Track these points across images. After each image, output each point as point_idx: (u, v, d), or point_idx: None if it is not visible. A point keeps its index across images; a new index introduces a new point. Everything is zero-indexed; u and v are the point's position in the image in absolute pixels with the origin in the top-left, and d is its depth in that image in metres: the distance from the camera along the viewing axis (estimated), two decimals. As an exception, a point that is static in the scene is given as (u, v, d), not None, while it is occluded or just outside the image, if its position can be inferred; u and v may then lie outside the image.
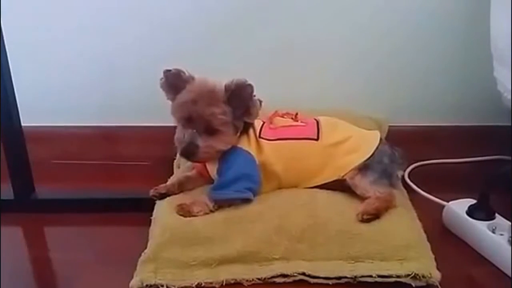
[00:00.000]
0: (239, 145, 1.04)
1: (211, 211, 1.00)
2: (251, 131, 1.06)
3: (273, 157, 1.04)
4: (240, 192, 1.01)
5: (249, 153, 1.03)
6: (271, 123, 1.08)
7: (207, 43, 1.30)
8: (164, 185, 1.09)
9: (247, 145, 1.04)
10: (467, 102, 1.34)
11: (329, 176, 1.05)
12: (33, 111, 1.27)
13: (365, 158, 1.04)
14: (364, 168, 1.03)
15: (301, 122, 1.09)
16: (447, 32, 1.30)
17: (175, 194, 1.07)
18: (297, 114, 1.10)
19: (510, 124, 1.18)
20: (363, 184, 1.02)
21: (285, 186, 1.07)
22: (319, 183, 1.05)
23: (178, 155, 1.22)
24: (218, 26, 1.30)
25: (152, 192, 1.07)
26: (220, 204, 1.01)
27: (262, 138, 1.05)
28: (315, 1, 1.27)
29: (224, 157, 1.03)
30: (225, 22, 1.30)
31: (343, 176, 1.04)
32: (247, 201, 1.02)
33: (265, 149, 1.04)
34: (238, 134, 1.04)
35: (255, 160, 1.03)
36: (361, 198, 1.03)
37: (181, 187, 1.08)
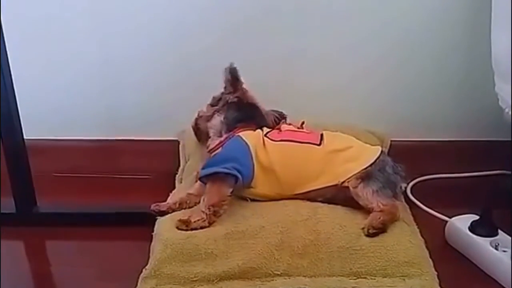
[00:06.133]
0: (239, 134, 1.08)
1: (209, 216, 1.00)
2: (258, 130, 1.11)
3: (273, 156, 1.06)
4: (227, 169, 1.01)
5: (244, 140, 1.07)
6: (279, 130, 1.12)
7: (213, 56, 1.30)
8: (165, 203, 1.08)
9: (246, 135, 1.08)
10: (469, 116, 1.34)
11: (328, 181, 1.05)
12: (36, 124, 1.27)
13: (364, 166, 1.04)
14: (366, 177, 1.03)
15: (306, 130, 1.12)
16: (449, 48, 1.30)
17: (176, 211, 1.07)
18: (303, 123, 1.13)
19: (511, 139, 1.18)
20: (365, 194, 1.02)
21: (283, 187, 1.07)
22: (317, 187, 1.06)
23: (179, 169, 1.24)
24: (224, 40, 1.30)
25: (153, 207, 1.07)
26: (216, 210, 1.00)
27: (267, 137, 1.09)
28: (319, 16, 1.28)
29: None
30: (231, 36, 1.30)
31: (342, 183, 1.04)
32: (234, 179, 1.01)
33: (267, 147, 1.07)
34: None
35: (248, 147, 1.06)
36: (364, 212, 1.03)
37: (183, 205, 1.07)
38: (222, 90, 1.17)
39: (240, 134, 1.09)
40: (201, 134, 1.19)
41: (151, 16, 1.29)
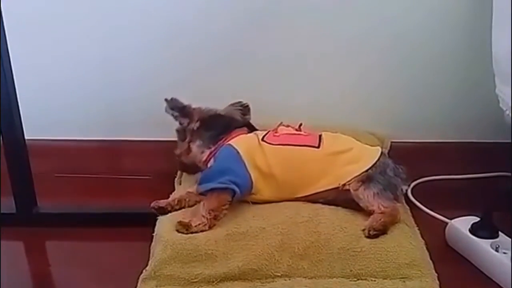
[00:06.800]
0: (229, 142, 1.08)
1: (210, 220, 1.00)
2: (252, 135, 1.10)
3: (272, 160, 1.06)
4: (224, 184, 1.02)
5: (235, 149, 1.07)
6: (275, 131, 1.11)
7: (214, 55, 1.30)
8: (165, 200, 1.09)
9: (237, 143, 1.07)
10: (470, 118, 1.34)
11: (329, 183, 1.05)
12: (37, 125, 1.27)
13: (365, 169, 1.04)
14: (367, 180, 1.04)
15: (304, 132, 1.11)
16: (449, 49, 1.30)
17: (176, 210, 1.07)
18: (301, 124, 1.13)
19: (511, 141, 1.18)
20: (366, 196, 1.03)
21: (284, 191, 1.07)
22: (318, 190, 1.06)
23: (178, 172, 1.24)
24: (226, 40, 1.30)
25: (152, 204, 1.08)
26: (216, 214, 1.00)
27: (265, 141, 1.08)
28: (317, 15, 1.28)
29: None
30: (231, 35, 1.29)
31: (343, 186, 1.04)
32: (232, 192, 1.02)
33: (266, 152, 1.07)
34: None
35: (239, 155, 1.05)
36: (365, 213, 1.03)
37: (182, 203, 1.08)
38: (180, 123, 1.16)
39: (230, 142, 1.09)
40: (190, 167, 1.17)
41: (152, 17, 1.29)
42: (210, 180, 1.03)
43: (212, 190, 1.02)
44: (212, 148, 1.11)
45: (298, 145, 1.08)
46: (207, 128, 1.13)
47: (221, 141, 1.10)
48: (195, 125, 1.14)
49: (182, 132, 1.16)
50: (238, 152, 1.06)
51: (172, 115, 1.14)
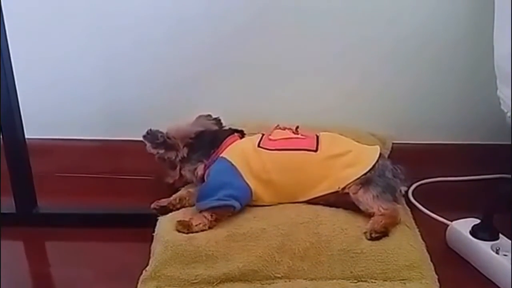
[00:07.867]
0: (222, 155, 1.07)
1: (211, 222, 1.00)
2: (246, 141, 1.09)
3: (270, 166, 1.05)
4: (222, 200, 1.01)
5: (228, 160, 1.06)
6: (270, 135, 1.10)
7: (216, 55, 1.30)
8: (165, 199, 1.09)
9: (231, 154, 1.06)
10: (471, 120, 1.34)
11: (328, 187, 1.05)
12: (37, 124, 1.27)
13: (364, 172, 1.04)
14: (366, 182, 1.03)
15: (301, 135, 1.11)
16: (451, 51, 1.30)
17: (177, 208, 1.08)
18: (297, 127, 1.12)
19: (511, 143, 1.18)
20: (366, 199, 1.03)
21: (283, 196, 1.07)
22: (318, 195, 1.06)
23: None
24: (229, 39, 1.29)
25: (153, 205, 1.08)
26: (218, 217, 1.01)
27: (261, 147, 1.07)
28: (320, 18, 1.28)
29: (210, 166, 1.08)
30: (232, 39, 1.29)
31: (342, 189, 1.04)
32: (232, 208, 1.02)
33: (263, 158, 1.06)
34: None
35: (233, 167, 1.05)
36: (365, 215, 1.03)
37: (182, 201, 1.08)
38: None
39: (223, 154, 1.07)
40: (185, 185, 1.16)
41: (153, 18, 1.29)
42: (209, 196, 1.02)
43: (212, 208, 1.01)
44: (206, 162, 1.09)
45: (296, 150, 1.07)
46: (195, 150, 1.10)
47: (214, 154, 1.09)
48: (183, 153, 1.10)
49: (168, 162, 1.12)
50: (232, 164, 1.05)
51: (158, 153, 1.11)
